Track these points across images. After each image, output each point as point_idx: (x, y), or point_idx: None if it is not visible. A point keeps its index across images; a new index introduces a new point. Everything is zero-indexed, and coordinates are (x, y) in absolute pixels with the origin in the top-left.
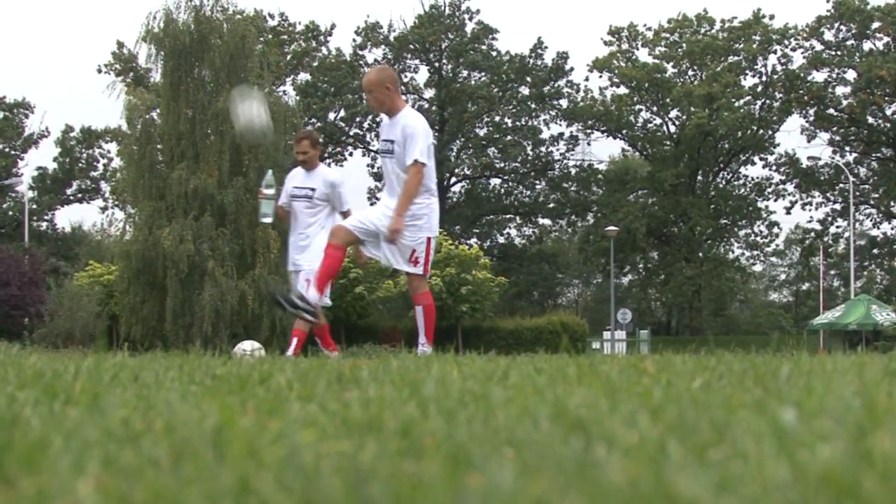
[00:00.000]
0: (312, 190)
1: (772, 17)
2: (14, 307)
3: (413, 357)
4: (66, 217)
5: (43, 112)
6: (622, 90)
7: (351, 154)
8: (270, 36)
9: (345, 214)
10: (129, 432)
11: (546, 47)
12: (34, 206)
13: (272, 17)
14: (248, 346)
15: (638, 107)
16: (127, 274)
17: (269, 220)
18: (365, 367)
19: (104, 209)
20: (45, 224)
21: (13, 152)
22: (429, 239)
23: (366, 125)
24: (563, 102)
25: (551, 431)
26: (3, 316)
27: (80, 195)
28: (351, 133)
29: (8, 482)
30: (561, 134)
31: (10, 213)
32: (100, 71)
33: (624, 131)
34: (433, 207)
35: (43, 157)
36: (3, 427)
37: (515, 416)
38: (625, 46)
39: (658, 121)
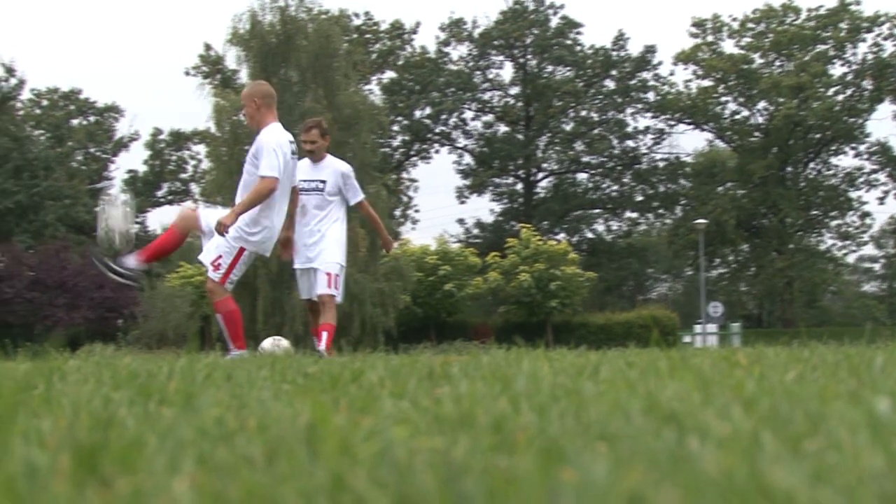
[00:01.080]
0: (323, 182)
1: (858, 3)
2: (108, 309)
3: (504, 353)
4: (157, 219)
5: (133, 116)
6: (708, 82)
7: (437, 152)
8: (355, 35)
9: (359, 206)
10: (222, 431)
11: (628, 38)
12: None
13: (357, 16)
14: (268, 344)
15: (724, 98)
16: None
17: None
18: (456, 363)
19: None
20: (136, 226)
21: (104, 156)
22: (241, 251)
23: (452, 122)
24: (650, 95)
25: (644, 425)
26: (98, 318)
27: (170, 197)
28: (437, 131)
29: (104, 482)
30: (647, 127)
31: None
32: (188, 74)
33: (711, 123)
34: (271, 229)
35: (133, 160)
36: (99, 427)
37: (607, 411)
38: (710, 38)
39: (745, 112)
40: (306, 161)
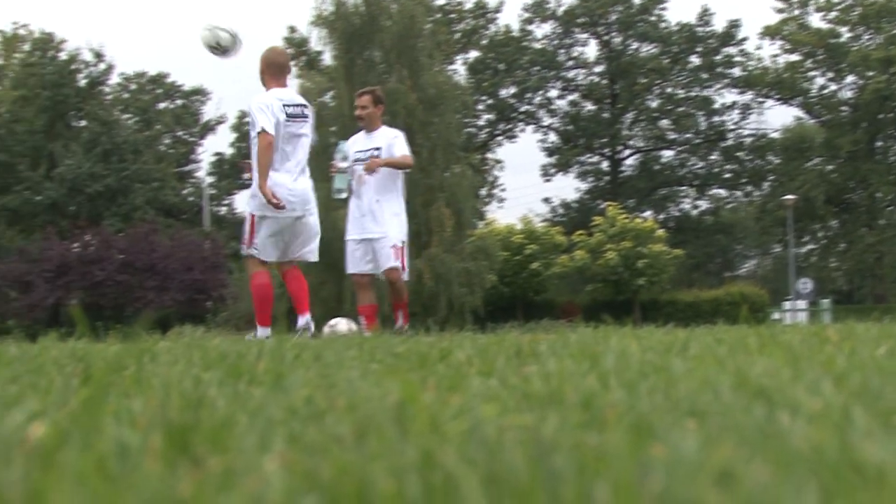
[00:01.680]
0: (377, 150)
1: None
2: (197, 291)
3: (591, 331)
4: (244, 201)
5: (219, 99)
6: (795, 56)
7: (523, 130)
8: (439, 15)
9: (405, 158)
10: (312, 410)
11: (713, 13)
12: (213, 192)
13: None
14: (327, 329)
15: (812, 73)
16: None
17: (343, 195)
18: (543, 341)
19: None
20: (224, 209)
21: (191, 139)
22: (251, 217)
23: (536, 101)
24: (736, 71)
25: (733, 401)
26: (188, 300)
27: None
28: (522, 109)
29: (195, 461)
30: (734, 103)
31: (191, 198)
32: None
33: (798, 98)
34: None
35: (220, 142)
36: (189, 407)
37: (697, 387)
38: (796, 12)
39: (833, 86)
40: (360, 133)
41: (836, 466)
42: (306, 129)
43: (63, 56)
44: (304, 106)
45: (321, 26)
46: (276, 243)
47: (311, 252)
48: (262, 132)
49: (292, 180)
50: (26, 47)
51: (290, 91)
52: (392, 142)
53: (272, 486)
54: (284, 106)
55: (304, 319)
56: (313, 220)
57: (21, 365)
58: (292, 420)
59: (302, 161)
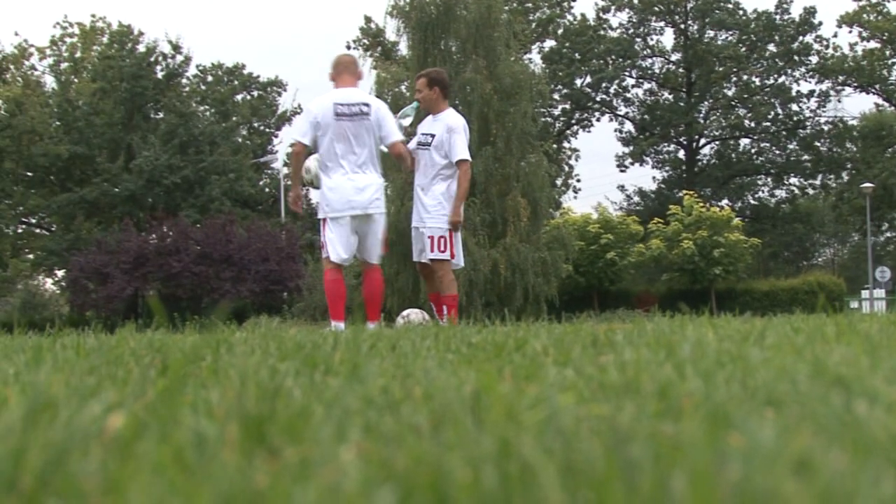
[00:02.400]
0: (432, 136)
1: None
2: (273, 282)
3: (668, 320)
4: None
5: (295, 90)
6: (874, 44)
7: (598, 120)
8: (515, 4)
9: (459, 164)
10: (388, 400)
11: (791, 1)
12: (289, 183)
13: None
14: (401, 320)
15: (891, 60)
16: None
17: (405, 121)
18: (619, 331)
19: None
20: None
21: (268, 130)
22: (323, 221)
23: (612, 90)
24: (813, 59)
25: (811, 390)
26: (264, 291)
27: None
28: (598, 99)
29: (272, 451)
30: (812, 91)
31: (267, 189)
32: (349, 47)
33: (877, 86)
34: (333, 189)
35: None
36: (266, 398)
37: (774, 376)
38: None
39: None
40: (429, 115)
41: None
42: (366, 128)
43: (141, 48)
44: (364, 104)
45: (397, 17)
46: (343, 242)
47: (375, 253)
48: (293, 142)
49: (349, 179)
50: (105, 40)
51: (351, 91)
52: (448, 136)
53: (348, 477)
54: (336, 105)
55: (373, 327)
56: (379, 217)
57: (99, 356)
58: (368, 410)
59: (361, 158)
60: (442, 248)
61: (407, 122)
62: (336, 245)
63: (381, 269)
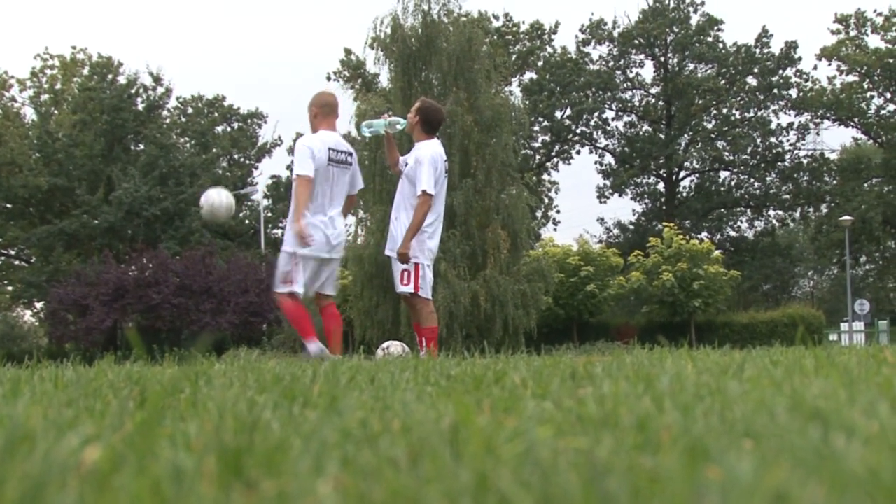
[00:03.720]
0: (406, 164)
1: None
2: (253, 314)
3: (647, 353)
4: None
5: (275, 122)
6: (852, 77)
7: (578, 152)
8: (496, 37)
9: (420, 194)
10: (366, 433)
11: (771, 35)
12: (269, 214)
13: (496, 17)
14: (380, 352)
15: (870, 94)
16: (360, 278)
17: (365, 131)
18: (599, 363)
19: None
20: (279, 231)
21: (248, 161)
22: (293, 255)
23: (592, 122)
24: (792, 92)
25: (789, 423)
26: (243, 322)
27: None
28: (578, 131)
29: (250, 484)
30: (791, 124)
31: (247, 221)
32: (329, 79)
33: (856, 119)
34: (306, 224)
35: (276, 165)
36: (244, 430)
37: (752, 409)
38: (853, 33)
39: (892, 107)
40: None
41: (891, 489)
42: (347, 176)
43: (122, 80)
44: (349, 153)
45: (378, 49)
46: (310, 280)
47: (333, 287)
48: (298, 176)
49: (329, 222)
50: (85, 71)
51: (337, 136)
52: (416, 167)
53: None
54: (330, 150)
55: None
56: (339, 259)
57: (77, 388)
58: (346, 443)
59: (338, 203)
60: (405, 282)
61: (365, 131)
62: (303, 282)
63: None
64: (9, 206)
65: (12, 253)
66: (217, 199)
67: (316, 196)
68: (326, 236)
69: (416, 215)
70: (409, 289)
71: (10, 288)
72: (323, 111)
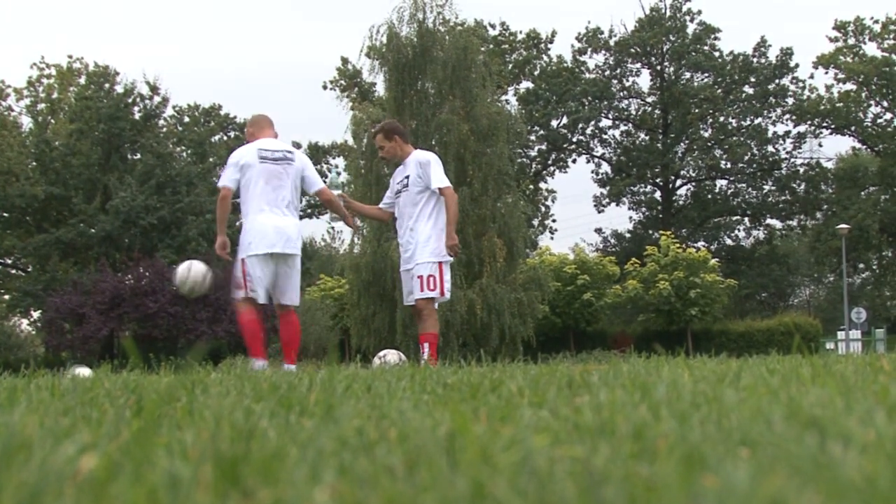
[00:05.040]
0: (406, 178)
1: None
2: None
3: (643, 361)
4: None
5: None
6: (850, 86)
7: (574, 161)
8: (492, 45)
9: (443, 191)
10: (363, 441)
11: (769, 45)
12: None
13: (493, 26)
14: (377, 360)
15: (867, 102)
16: (357, 287)
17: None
18: (595, 372)
19: (332, 223)
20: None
21: None
22: (242, 260)
23: (589, 131)
24: (789, 101)
25: (786, 431)
26: (239, 331)
27: (308, 210)
28: (574, 140)
29: (246, 493)
30: (787, 132)
31: None
32: (325, 87)
33: (853, 127)
34: (249, 227)
35: None
36: (240, 439)
37: (749, 417)
38: (851, 41)
39: (889, 115)
40: (400, 166)
41: (888, 497)
42: (289, 173)
43: (118, 89)
44: (289, 152)
45: (374, 57)
46: (262, 282)
47: (293, 296)
48: (220, 187)
49: (275, 218)
50: (82, 81)
51: (274, 140)
52: (423, 170)
53: None
54: (261, 150)
55: (290, 369)
56: (296, 259)
57: (74, 397)
58: (343, 451)
59: (282, 200)
60: (431, 287)
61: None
62: (256, 284)
63: (297, 312)
64: (5, 215)
65: (9, 262)
66: (191, 275)
67: (254, 196)
68: (273, 233)
69: (449, 208)
70: (436, 293)
71: (6, 297)
72: (255, 127)
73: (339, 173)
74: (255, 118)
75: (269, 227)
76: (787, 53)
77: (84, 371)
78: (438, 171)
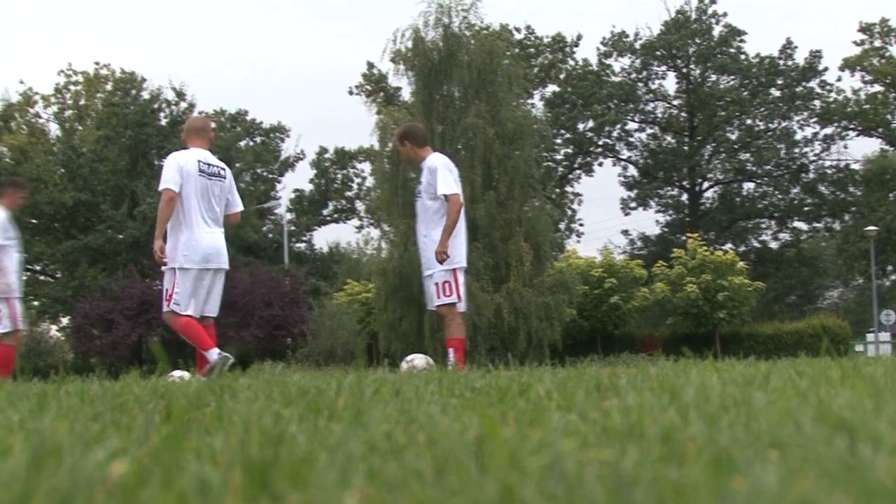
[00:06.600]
0: (420, 183)
1: None
2: (277, 327)
3: (672, 364)
4: (324, 237)
5: (298, 135)
6: (877, 87)
7: (601, 164)
8: (517, 49)
9: (447, 198)
10: (392, 446)
11: (796, 48)
12: (292, 228)
13: (518, 30)
14: (405, 365)
15: (895, 104)
16: (384, 291)
17: None
18: (623, 375)
19: (360, 228)
20: (303, 245)
21: (271, 176)
22: (174, 271)
23: (615, 134)
24: (817, 103)
25: (815, 433)
26: (267, 336)
27: (336, 215)
28: (600, 143)
29: (276, 498)
30: (815, 135)
31: (270, 235)
32: (351, 93)
33: (880, 129)
34: (185, 239)
35: (299, 179)
36: (270, 443)
37: (778, 420)
38: (878, 43)
39: None
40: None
41: None
42: (221, 189)
43: (145, 95)
44: (223, 168)
45: (399, 62)
46: (195, 296)
47: (216, 307)
48: (165, 189)
49: (207, 234)
50: (108, 87)
51: (209, 154)
52: (431, 176)
53: None
54: (200, 162)
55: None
56: (223, 274)
57: (103, 403)
58: (372, 455)
59: (216, 215)
60: (448, 293)
61: None
62: (188, 299)
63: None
64: (34, 221)
65: (38, 268)
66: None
67: (191, 209)
68: (208, 248)
69: (449, 216)
70: (453, 299)
71: (35, 303)
72: (190, 134)
73: (364, 178)
74: (197, 123)
75: (205, 242)
76: (815, 56)
77: (184, 374)
78: (445, 178)
